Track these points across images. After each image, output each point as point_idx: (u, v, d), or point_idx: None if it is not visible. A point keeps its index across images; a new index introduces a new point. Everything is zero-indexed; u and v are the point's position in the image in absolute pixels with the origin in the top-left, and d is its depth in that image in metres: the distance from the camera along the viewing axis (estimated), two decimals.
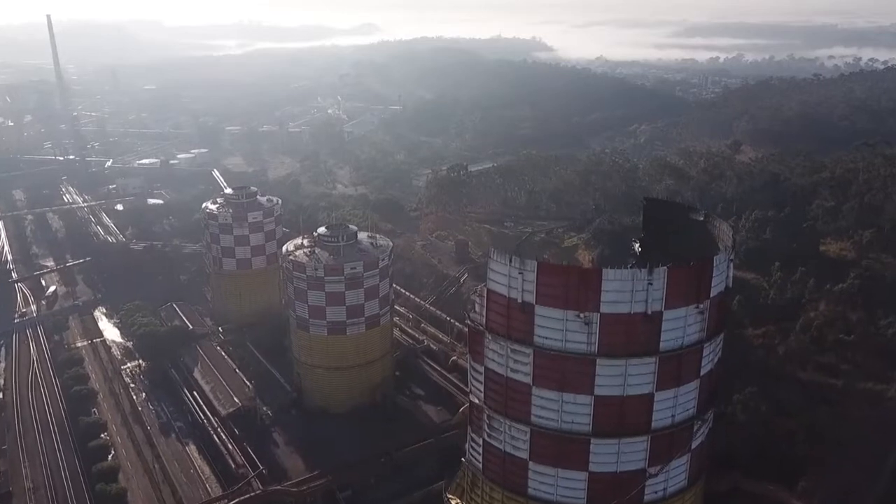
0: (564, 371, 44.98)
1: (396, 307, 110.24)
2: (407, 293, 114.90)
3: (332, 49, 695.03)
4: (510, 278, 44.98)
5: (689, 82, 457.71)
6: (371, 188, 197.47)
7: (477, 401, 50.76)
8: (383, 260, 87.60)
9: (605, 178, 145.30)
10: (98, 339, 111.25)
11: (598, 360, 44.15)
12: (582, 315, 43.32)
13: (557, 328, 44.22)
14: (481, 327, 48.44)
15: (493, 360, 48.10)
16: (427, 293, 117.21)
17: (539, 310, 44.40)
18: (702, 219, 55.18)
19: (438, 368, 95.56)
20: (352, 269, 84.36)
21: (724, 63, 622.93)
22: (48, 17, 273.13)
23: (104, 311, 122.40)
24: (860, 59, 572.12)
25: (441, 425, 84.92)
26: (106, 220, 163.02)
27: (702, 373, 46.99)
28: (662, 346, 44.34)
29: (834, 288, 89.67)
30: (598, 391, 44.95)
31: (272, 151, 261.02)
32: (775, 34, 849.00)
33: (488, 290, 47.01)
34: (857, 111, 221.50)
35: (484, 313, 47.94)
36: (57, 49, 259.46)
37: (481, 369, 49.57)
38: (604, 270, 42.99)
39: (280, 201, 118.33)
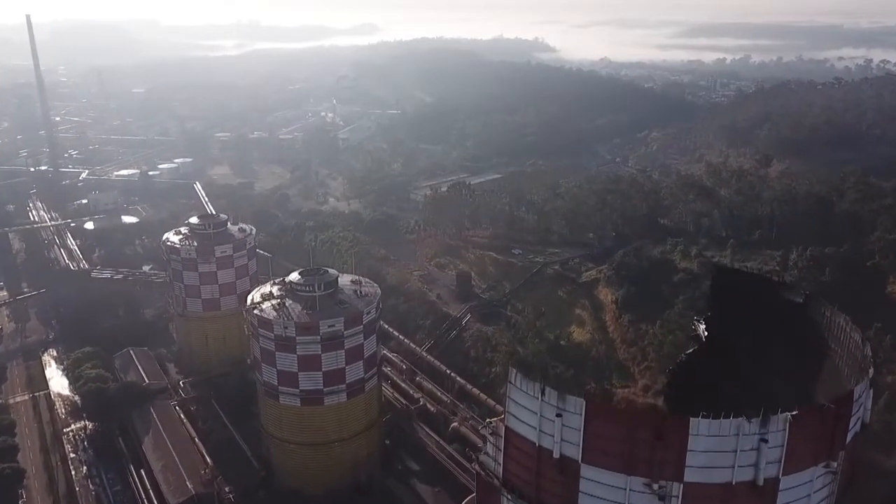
0: None
1: (388, 354, 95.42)
2: (400, 336, 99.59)
3: (330, 49, 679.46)
4: (542, 419, 29.67)
5: (698, 84, 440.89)
6: (365, 203, 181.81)
7: None
8: (369, 313, 72.19)
9: (623, 197, 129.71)
10: (42, 392, 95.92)
11: None
12: (656, 485, 28.00)
13: (616, 500, 28.87)
14: (495, 480, 32.98)
15: None
16: (424, 336, 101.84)
17: (587, 471, 29.14)
18: (801, 301, 39.80)
19: (436, 438, 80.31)
20: (329, 326, 69.02)
21: (731, 64, 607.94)
22: (27, 17, 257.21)
23: (55, 354, 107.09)
24: (871, 60, 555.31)
25: None
26: (70, 242, 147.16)
27: None
28: None
29: None
30: None
31: (262, 160, 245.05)
32: (780, 35, 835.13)
33: (507, 430, 31.65)
34: (887, 119, 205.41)
35: (500, 460, 32.52)
36: (38, 51, 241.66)
37: None
38: (692, 420, 27.53)
39: (254, 230, 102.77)
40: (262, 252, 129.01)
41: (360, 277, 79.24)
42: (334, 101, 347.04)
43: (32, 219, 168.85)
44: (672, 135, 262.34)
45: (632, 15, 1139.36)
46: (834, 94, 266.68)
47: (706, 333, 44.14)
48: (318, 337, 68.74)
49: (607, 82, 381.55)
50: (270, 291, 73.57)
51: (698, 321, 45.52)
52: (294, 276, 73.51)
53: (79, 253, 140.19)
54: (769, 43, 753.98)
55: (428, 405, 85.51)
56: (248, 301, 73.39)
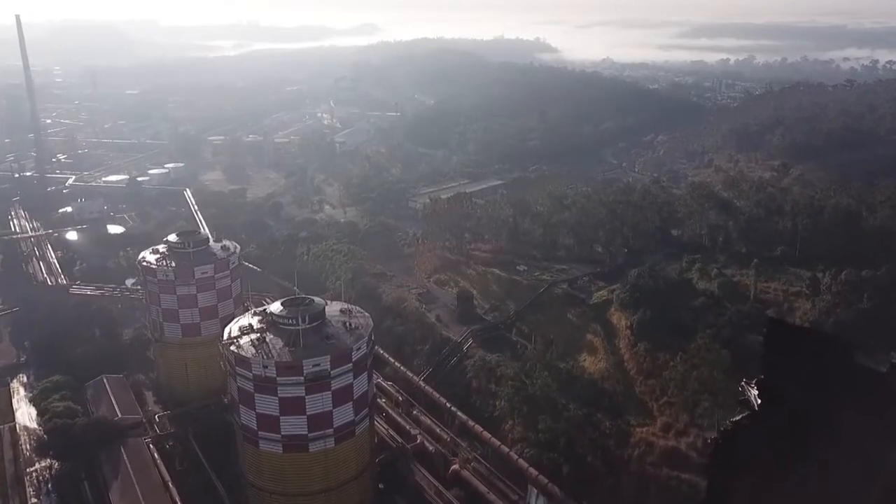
0: None
1: (383, 382, 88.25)
2: (396, 363, 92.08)
3: (330, 50, 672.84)
4: None
5: (702, 86, 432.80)
6: (362, 211, 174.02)
7: None
8: (359, 349, 64.62)
9: (634, 209, 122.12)
10: (6, 425, 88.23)
11: None
12: None
13: None
14: None
15: None
16: (422, 363, 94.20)
17: None
18: (884, 370, 32.26)
19: (435, 483, 72.79)
20: (314, 365, 61.48)
21: (734, 65, 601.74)
22: (17, 17, 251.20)
23: (25, 380, 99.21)
24: (877, 60, 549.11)
25: None
26: (50, 254, 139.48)
27: None
28: None
29: None
30: None
31: (256, 165, 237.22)
32: (783, 35, 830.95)
33: None
34: None
35: None
36: (35, 51, 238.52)
37: None
38: None
39: (238, 248, 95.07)
40: (252, 266, 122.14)
41: (350, 306, 71.72)
42: (332, 104, 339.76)
43: (13, 228, 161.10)
44: (679, 138, 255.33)
45: (633, 15, 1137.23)
46: (847, 96, 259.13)
47: (759, 401, 36.61)
48: (302, 378, 61.22)
49: (611, 84, 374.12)
50: (250, 324, 66.05)
51: (748, 384, 37.97)
52: (276, 307, 66.05)
53: (58, 266, 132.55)
54: (771, 43, 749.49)
55: (426, 443, 78.06)
56: (225, 335, 65.86)
